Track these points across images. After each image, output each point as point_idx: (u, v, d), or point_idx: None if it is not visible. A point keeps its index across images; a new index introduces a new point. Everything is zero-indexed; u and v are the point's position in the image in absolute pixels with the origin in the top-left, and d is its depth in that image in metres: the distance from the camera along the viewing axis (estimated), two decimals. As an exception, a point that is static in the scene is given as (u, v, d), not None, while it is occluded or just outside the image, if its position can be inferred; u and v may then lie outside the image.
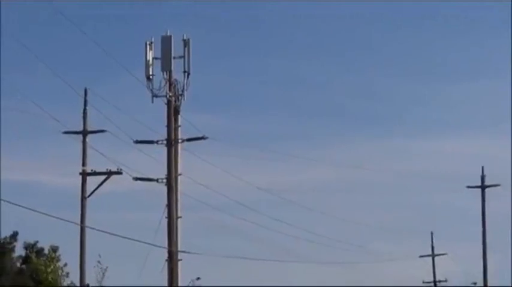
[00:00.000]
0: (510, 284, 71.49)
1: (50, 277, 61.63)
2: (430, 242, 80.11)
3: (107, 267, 53.29)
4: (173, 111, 40.52)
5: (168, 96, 40.11)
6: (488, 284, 72.13)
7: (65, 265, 62.99)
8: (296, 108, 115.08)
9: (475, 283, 76.19)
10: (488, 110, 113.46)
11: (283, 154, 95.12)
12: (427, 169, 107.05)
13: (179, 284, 40.79)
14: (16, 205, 30.64)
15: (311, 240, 79.11)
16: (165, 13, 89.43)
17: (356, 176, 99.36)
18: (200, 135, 42.04)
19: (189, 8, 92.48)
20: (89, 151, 51.39)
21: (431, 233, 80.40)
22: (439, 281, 78.99)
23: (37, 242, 67.47)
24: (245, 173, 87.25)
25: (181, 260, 40.48)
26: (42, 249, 66.48)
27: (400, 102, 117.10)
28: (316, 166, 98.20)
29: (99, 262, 54.73)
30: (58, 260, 62.59)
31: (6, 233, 67.68)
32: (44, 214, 33.95)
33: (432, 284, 78.42)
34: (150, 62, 40.09)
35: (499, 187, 71.15)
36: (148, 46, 40.15)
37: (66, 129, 51.42)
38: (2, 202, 29.87)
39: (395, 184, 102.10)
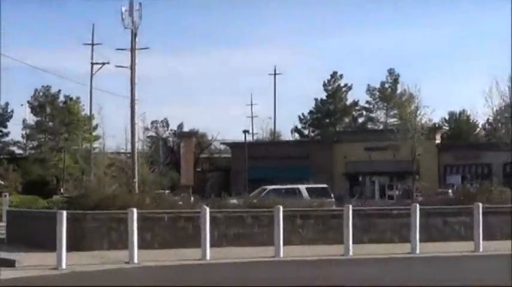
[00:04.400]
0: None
1: (75, 110, 68.57)
2: (251, 98, 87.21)
3: (101, 107, 59.94)
4: (134, 35, 43.12)
5: (131, 27, 42.81)
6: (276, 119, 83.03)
7: (83, 105, 68.56)
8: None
9: (270, 118, 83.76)
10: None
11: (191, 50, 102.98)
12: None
13: (135, 115, 42.97)
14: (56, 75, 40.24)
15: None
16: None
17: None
18: (145, 47, 46.45)
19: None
20: (94, 53, 59.65)
21: (251, 95, 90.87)
22: (256, 116, 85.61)
23: (70, 94, 71.75)
24: (167, 63, 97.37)
25: (137, 104, 43.18)
26: (72, 97, 71.06)
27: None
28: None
29: (99, 105, 64.68)
30: (79, 102, 69.19)
31: (55, 89, 72.62)
32: (73, 81, 43.37)
33: (250, 118, 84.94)
34: (123, 12, 42.11)
35: (283, 75, 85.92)
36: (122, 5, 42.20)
37: (85, 42, 60.43)
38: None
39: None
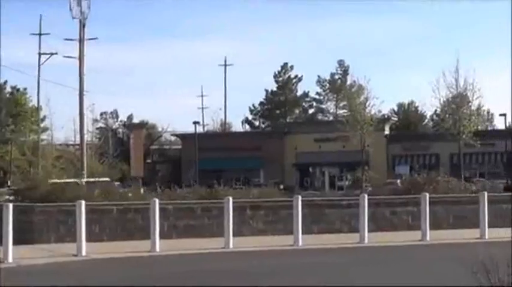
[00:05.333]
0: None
1: (22, 101, 67.73)
2: (201, 89, 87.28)
3: (49, 98, 61.47)
4: (82, 26, 43.19)
5: (79, 17, 42.90)
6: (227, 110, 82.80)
7: (30, 96, 67.07)
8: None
9: (220, 109, 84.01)
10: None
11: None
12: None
13: (84, 107, 43.44)
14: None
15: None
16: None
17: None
18: (94, 37, 46.60)
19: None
20: (42, 44, 58.84)
21: (201, 87, 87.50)
22: (206, 107, 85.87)
23: (17, 85, 70.10)
24: (117, 54, 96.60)
25: (85, 95, 43.67)
26: (19, 88, 69.43)
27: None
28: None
29: (47, 96, 64.18)
30: (26, 93, 67.90)
31: (2, 80, 70.37)
32: (21, 71, 43.26)
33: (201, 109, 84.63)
34: (71, 1, 42.05)
35: (233, 66, 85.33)
36: (70, -5, 42.22)
37: (32, 32, 59.63)
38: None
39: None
